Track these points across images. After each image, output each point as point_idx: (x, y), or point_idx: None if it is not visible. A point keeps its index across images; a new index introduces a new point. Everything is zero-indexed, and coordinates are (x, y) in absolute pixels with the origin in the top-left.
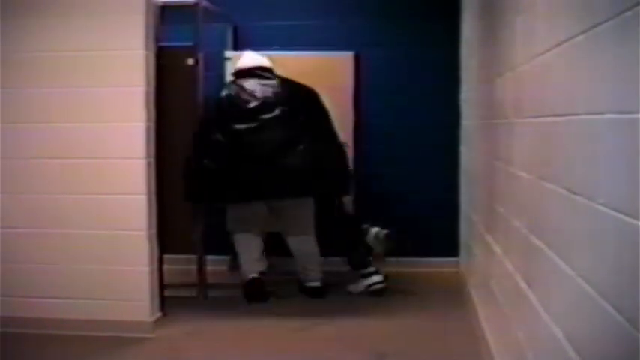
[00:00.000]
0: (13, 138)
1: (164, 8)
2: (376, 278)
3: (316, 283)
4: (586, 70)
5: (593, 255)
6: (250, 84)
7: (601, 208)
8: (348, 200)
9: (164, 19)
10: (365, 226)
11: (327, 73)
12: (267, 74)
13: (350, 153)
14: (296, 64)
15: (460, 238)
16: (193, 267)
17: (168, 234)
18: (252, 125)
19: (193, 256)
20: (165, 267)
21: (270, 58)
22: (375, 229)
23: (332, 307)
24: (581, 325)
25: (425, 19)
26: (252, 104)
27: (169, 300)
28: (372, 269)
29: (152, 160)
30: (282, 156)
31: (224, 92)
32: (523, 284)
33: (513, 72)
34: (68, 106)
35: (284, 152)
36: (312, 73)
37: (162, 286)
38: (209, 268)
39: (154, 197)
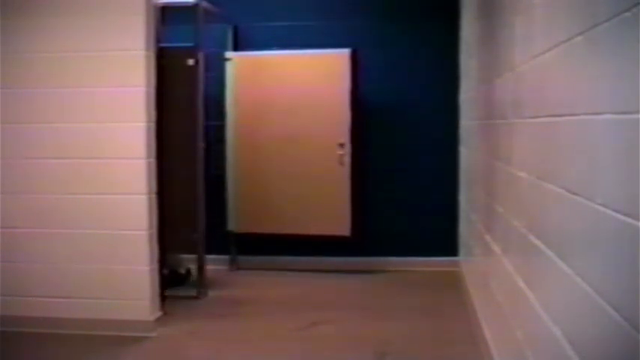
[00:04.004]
0: (13, 138)
1: (165, 9)
2: None
3: None
4: (585, 70)
5: (591, 254)
6: None
7: (600, 207)
8: None
9: (165, 19)
10: None
11: (324, 70)
12: None
13: (347, 152)
14: (293, 62)
15: (460, 238)
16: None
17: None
18: None
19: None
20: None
21: (269, 57)
22: None
23: (332, 307)
24: (579, 325)
25: (424, 19)
26: None
27: (169, 299)
28: None
29: (153, 160)
30: None
31: None
32: (522, 284)
33: (513, 72)
34: (69, 106)
35: None
36: (309, 71)
37: (162, 285)
38: (209, 268)
39: (154, 197)
